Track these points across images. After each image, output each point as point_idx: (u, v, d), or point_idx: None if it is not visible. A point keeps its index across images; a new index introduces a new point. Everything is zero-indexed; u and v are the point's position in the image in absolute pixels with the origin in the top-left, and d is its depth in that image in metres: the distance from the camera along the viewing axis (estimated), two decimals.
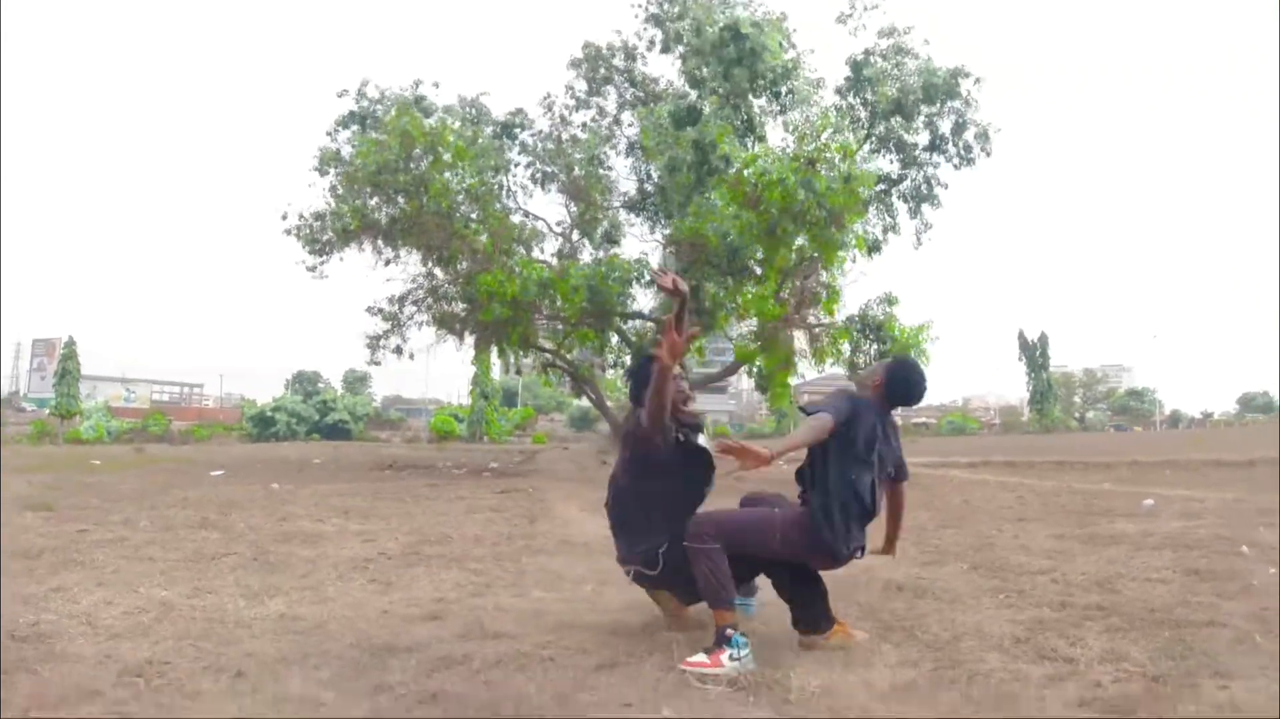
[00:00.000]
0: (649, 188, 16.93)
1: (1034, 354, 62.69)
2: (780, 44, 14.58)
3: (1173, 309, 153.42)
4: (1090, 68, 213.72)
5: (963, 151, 15.49)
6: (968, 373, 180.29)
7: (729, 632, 3.18)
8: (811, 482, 3.43)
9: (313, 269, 16.94)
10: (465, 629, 3.77)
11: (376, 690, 2.94)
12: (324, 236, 16.27)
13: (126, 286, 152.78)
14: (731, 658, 3.11)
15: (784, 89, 14.67)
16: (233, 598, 4.40)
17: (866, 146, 15.39)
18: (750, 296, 13.81)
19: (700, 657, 3.13)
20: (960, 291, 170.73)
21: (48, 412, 49.95)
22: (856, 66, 15.36)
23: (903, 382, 3.59)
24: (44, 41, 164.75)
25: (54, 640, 3.53)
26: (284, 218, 16.48)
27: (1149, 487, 11.01)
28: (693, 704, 2.84)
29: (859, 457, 3.39)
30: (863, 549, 3.50)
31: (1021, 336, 63.85)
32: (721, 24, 14.12)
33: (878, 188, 15.18)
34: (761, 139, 14.84)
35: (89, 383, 56.08)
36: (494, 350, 17.27)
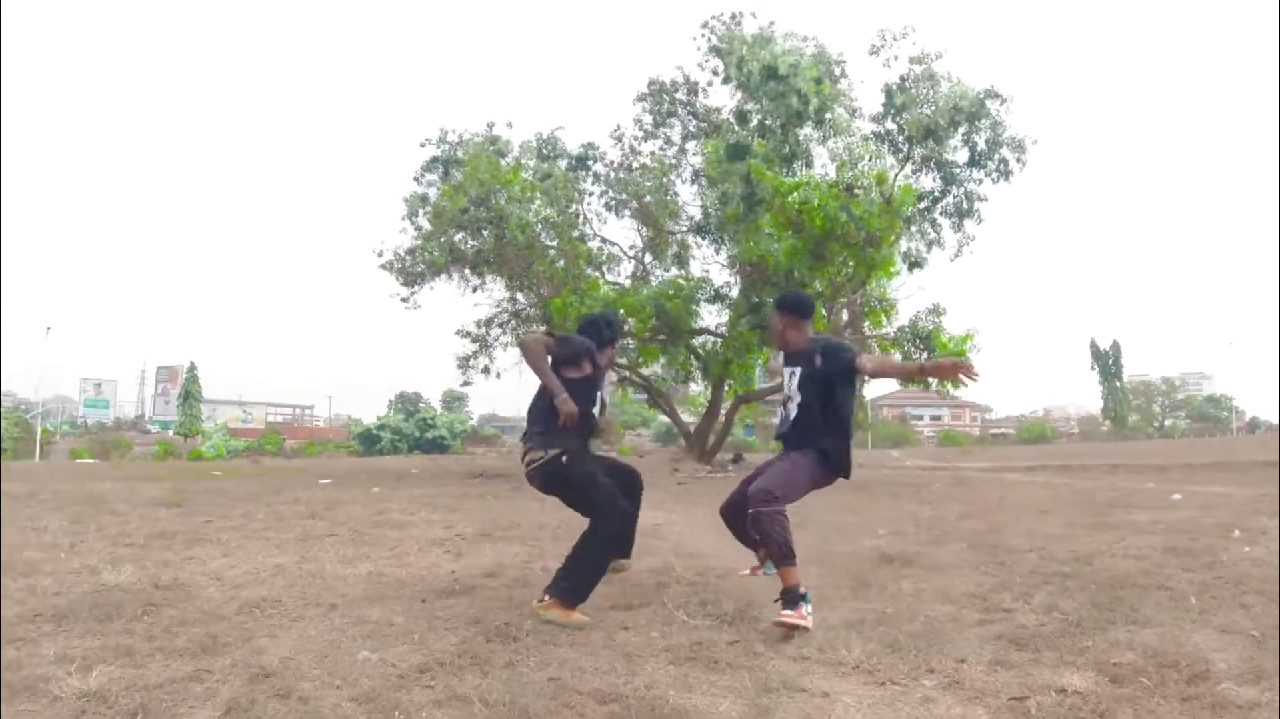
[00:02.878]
0: (712, 212, 17.65)
1: (1106, 363, 60.90)
2: (818, 79, 15.15)
3: (1257, 316, 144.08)
4: (1163, 70, 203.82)
5: (1000, 166, 15.79)
6: (1051, 383, 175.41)
7: (802, 589, 3.64)
8: (825, 422, 3.92)
9: (405, 300, 18.43)
10: (513, 582, 4.67)
11: (436, 616, 3.81)
12: (415, 269, 17.69)
13: (243, 317, 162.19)
14: (808, 613, 3.58)
15: (824, 118, 15.20)
16: (332, 563, 5.38)
17: (908, 167, 15.82)
18: None
19: (789, 612, 3.56)
20: (1042, 302, 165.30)
21: (171, 432, 53.90)
22: (890, 94, 15.85)
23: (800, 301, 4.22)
24: (166, 89, 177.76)
25: (189, 588, 4.55)
26: (379, 254, 18.04)
27: (1192, 485, 11.02)
28: (695, 629, 3.61)
29: None
30: None
31: (1093, 345, 62.15)
32: (763, 63, 14.81)
33: (920, 205, 15.62)
34: (809, 164, 15.39)
35: (209, 405, 60.19)
36: None
